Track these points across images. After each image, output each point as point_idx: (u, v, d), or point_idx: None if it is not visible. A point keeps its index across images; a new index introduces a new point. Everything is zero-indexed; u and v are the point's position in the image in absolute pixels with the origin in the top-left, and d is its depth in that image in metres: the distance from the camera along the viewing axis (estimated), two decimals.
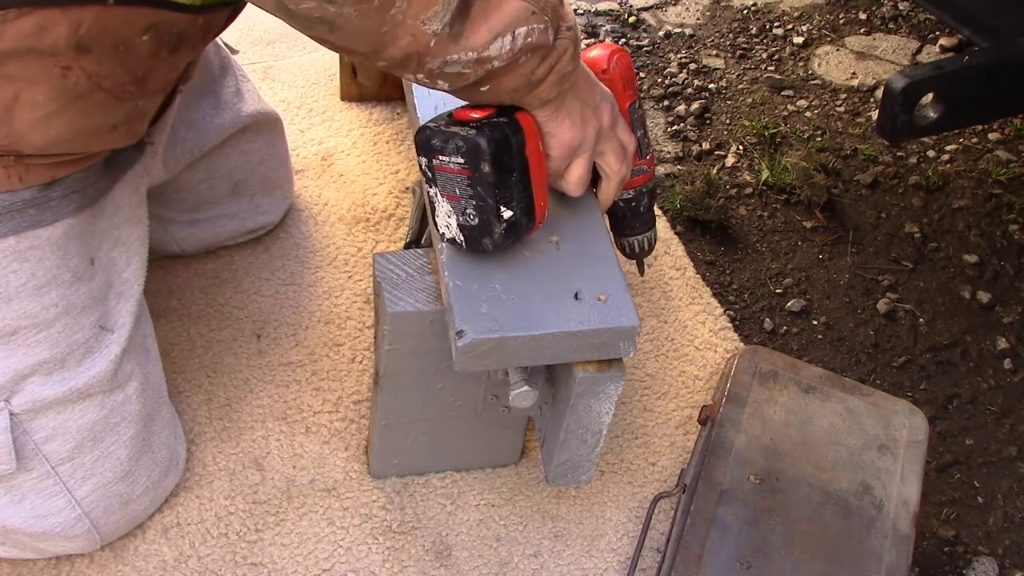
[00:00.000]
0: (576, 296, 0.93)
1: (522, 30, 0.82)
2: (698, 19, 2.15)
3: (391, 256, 1.04)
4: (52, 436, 1.01)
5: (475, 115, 0.91)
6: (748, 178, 1.75)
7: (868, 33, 2.11)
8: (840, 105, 1.92)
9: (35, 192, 0.94)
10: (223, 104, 1.31)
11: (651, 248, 1.19)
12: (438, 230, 0.95)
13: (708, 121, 1.89)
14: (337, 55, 1.69)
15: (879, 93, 1.91)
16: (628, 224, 1.15)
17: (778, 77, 1.98)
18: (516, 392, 0.98)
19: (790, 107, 1.91)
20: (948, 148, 1.82)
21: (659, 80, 1.97)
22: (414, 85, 1.15)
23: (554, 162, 0.96)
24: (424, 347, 1.04)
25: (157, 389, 1.13)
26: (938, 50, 2.05)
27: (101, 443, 1.05)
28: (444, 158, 0.90)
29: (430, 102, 1.11)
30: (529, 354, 0.92)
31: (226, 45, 1.39)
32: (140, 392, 1.08)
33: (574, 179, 0.98)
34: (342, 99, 1.72)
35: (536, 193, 0.94)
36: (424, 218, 1.52)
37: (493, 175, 0.88)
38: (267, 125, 1.40)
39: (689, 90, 1.95)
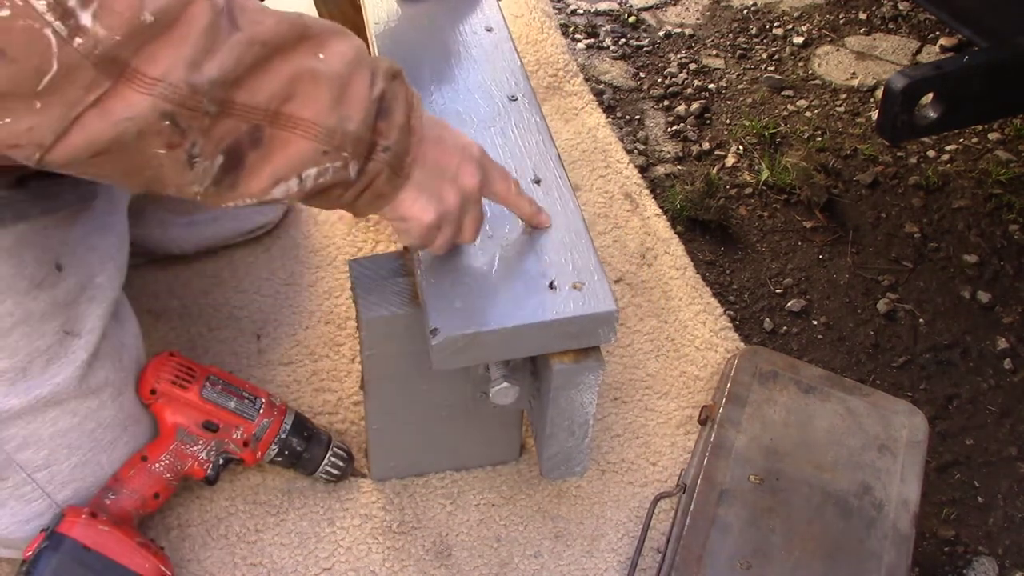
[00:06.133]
0: (551, 286, 0.93)
1: (311, 171, 0.77)
2: (698, 19, 2.15)
3: (365, 261, 1.04)
4: (24, 445, 1.00)
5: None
6: (748, 178, 1.75)
7: (868, 33, 2.11)
8: (840, 105, 1.93)
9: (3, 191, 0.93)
10: None
11: (346, 466, 1.19)
12: None
13: (708, 121, 1.89)
14: None
15: (879, 93, 1.91)
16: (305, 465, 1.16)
17: (778, 77, 1.98)
18: (496, 389, 0.98)
19: (790, 107, 1.91)
20: (948, 148, 1.82)
21: (659, 80, 1.97)
22: None
23: (416, 242, 0.91)
24: (403, 350, 1.04)
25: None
26: (938, 50, 2.05)
27: (78, 450, 1.03)
28: None
29: None
30: (507, 348, 0.92)
31: None
32: (115, 396, 1.06)
33: (439, 247, 0.93)
34: None
35: (131, 561, 0.99)
36: None
37: None
38: None
39: (689, 90, 1.95)
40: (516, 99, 1.14)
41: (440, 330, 0.89)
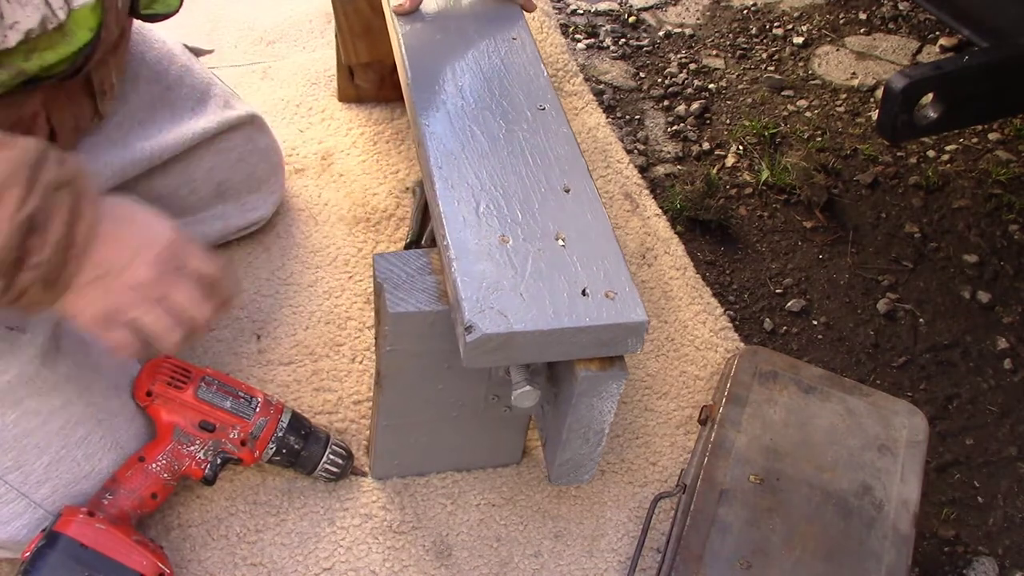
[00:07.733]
0: (584, 293, 0.94)
1: None
2: (698, 19, 2.15)
3: (392, 256, 1.04)
4: None
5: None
6: (748, 178, 1.75)
7: (868, 33, 2.11)
8: (840, 105, 1.93)
9: None
10: (179, 115, 1.29)
11: (346, 464, 1.19)
12: None
13: (708, 121, 1.89)
14: (335, 55, 1.69)
15: (879, 93, 1.91)
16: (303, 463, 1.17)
17: (778, 77, 1.98)
18: (519, 392, 0.98)
19: (790, 107, 1.92)
20: (948, 148, 1.82)
21: (659, 80, 1.97)
22: (412, 95, 1.15)
23: (92, 333, 0.90)
24: (425, 348, 1.04)
25: (113, 386, 1.10)
26: (938, 50, 2.05)
27: (48, 449, 1.02)
28: None
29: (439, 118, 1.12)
30: (537, 350, 0.92)
31: (192, 49, 1.38)
32: (81, 392, 1.05)
33: (114, 345, 0.91)
34: (340, 100, 1.72)
35: (129, 559, 1.00)
36: (425, 218, 1.52)
37: None
38: (238, 126, 1.36)
39: (689, 90, 1.95)
40: (544, 109, 1.14)
41: (475, 327, 0.89)
